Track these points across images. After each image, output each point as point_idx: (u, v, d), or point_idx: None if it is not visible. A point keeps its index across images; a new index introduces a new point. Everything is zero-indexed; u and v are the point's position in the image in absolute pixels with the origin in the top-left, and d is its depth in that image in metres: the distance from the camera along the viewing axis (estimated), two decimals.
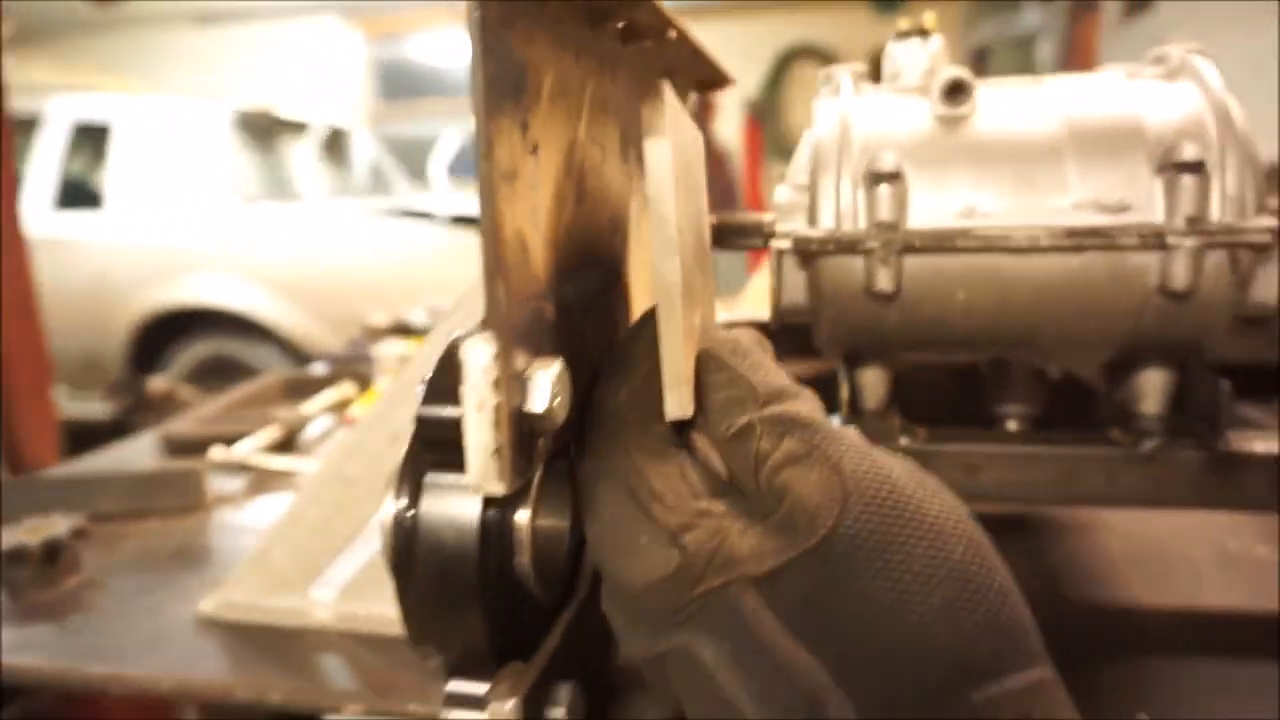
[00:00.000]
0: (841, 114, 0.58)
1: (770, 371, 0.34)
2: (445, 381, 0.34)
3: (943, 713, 0.26)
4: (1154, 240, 0.52)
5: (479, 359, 0.30)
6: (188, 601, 0.68)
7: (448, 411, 0.33)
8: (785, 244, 0.58)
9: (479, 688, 0.35)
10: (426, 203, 4.81)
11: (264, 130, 4.45)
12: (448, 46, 8.17)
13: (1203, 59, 0.57)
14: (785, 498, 0.30)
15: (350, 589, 0.63)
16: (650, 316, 0.36)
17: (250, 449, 0.96)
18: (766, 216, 0.62)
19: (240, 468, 0.95)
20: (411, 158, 6.35)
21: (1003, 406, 0.67)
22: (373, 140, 5.35)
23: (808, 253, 0.57)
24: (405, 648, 0.58)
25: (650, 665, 0.32)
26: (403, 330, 1.66)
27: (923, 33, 0.61)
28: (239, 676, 0.58)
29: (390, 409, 0.59)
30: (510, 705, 0.34)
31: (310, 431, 1.12)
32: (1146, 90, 0.57)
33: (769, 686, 0.28)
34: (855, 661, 0.27)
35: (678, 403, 0.33)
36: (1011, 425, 0.66)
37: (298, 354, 3.50)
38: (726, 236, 0.62)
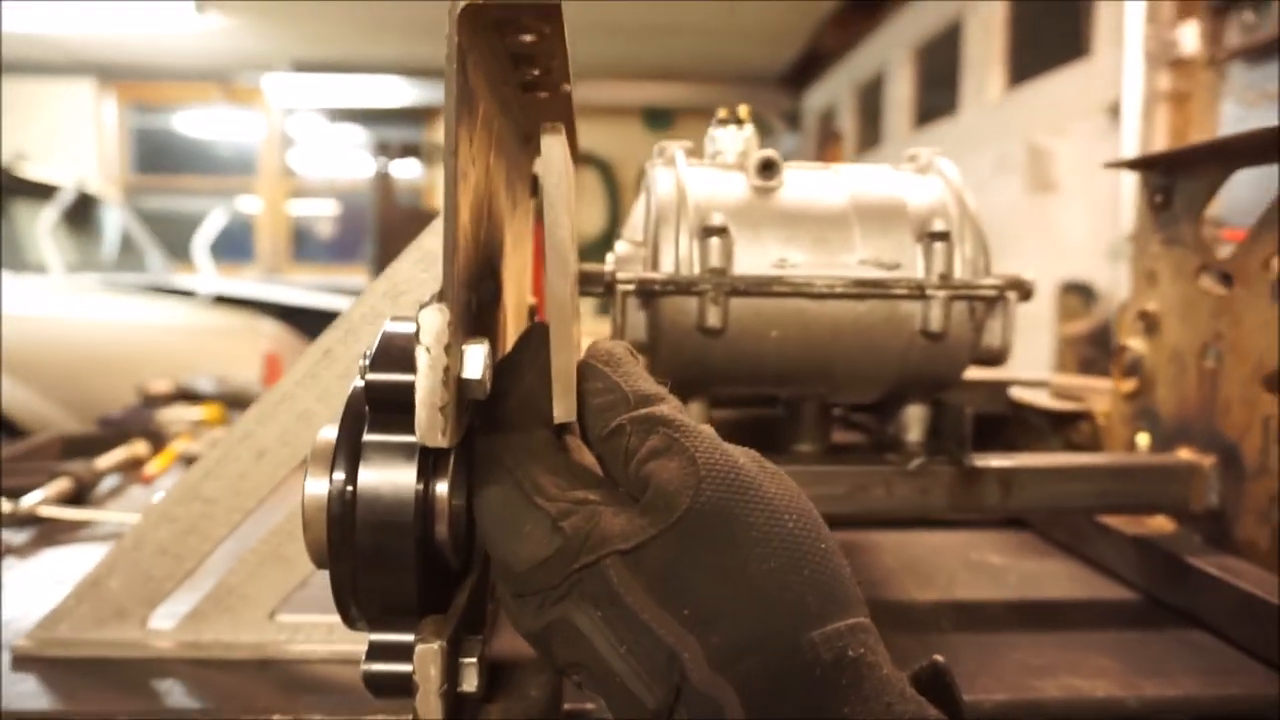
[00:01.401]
0: (677, 180, 0.69)
1: (641, 379, 0.39)
2: (390, 355, 0.38)
3: (777, 650, 0.31)
4: (917, 291, 0.67)
5: (435, 323, 0.36)
6: None
7: (395, 376, 0.37)
8: (630, 286, 0.67)
9: (403, 637, 0.38)
10: (187, 281, 4.52)
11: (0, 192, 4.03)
12: (211, 123, 7.81)
13: (944, 159, 0.74)
14: (650, 484, 0.34)
15: (194, 615, 0.62)
16: (530, 334, 0.42)
17: (39, 500, 0.89)
18: (606, 267, 0.71)
19: (27, 520, 0.88)
20: (168, 233, 5.95)
21: (796, 445, 0.79)
22: (125, 212, 4.98)
23: (650, 293, 0.66)
24: (255, 668, 0.59)
25: (536, 638, 0.36)
26: (188, 396, 1.58)
27: (738, 121, 0.74)
28: (78, 705, 0.55)
29: (257, 427, 0.60)
30: (437, 646, 0.38)
31: (102, 488, 1.04)
32: (907, 179, 0.72)
33: (635, 643, 0.32)
34: (706, 615, 0.32)
35: (565, 408, 0.39)
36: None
37: (18, 434, 3.10)
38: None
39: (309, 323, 4.23)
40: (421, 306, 0.36)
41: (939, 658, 0.34)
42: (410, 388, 0.35)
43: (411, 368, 0.35)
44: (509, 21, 0.38)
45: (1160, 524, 0.79)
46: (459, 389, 0.37)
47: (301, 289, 5.36)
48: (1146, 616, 0.72)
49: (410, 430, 0.35)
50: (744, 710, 0.30)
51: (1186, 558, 0.71)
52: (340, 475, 0.37)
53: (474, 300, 0.42)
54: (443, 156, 0.36)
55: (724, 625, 0.31)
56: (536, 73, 0.45)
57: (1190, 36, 2.36)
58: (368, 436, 0.38)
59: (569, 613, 0.34)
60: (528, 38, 0.40)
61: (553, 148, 0.41)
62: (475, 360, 0.37)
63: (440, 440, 0.35)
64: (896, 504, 0.72)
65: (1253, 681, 0.60)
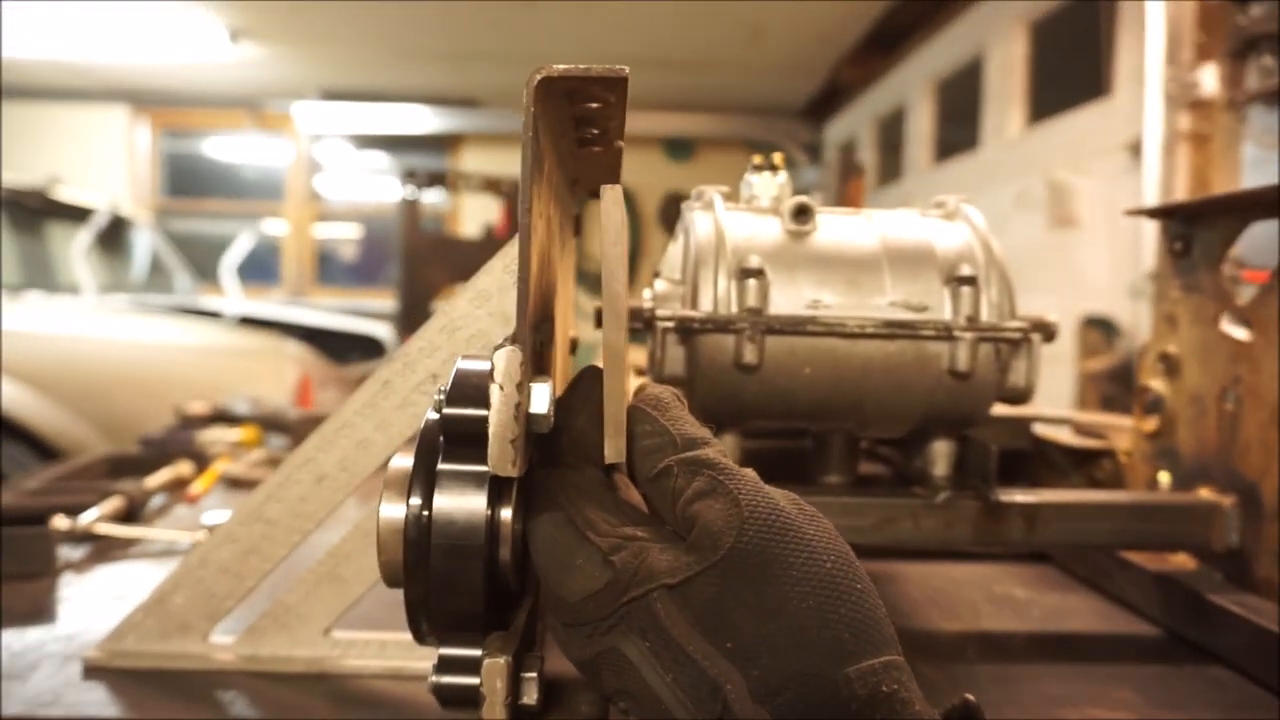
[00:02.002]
0: (716, 224, 0.73)
1: (687, 423, 0.41)
2: (464, 391, 0.41)
3: (815, 686, 0.32)
4: (945, 333, 0.70)
5: (510, 364, 0.39)
6: (66, 657, 0.66)
7: (469, 411, 0.40)
8: (669, 324, 0.70)
9: (471, 652, 0.41)
10: (214, 303, 4.61)
11: (35, 213, 4.13)
12: (241, 148, 7.97)
13: (970, 206, 0.77)
14: (695, 524, 0.36)
15: (253, 631, 0.65)
16: (582, 377, 0.44)
17: (96, 518, 0.93)
18: (645, 304, 0.75)
19: (84, 537, 0.92)
20: (196, 256, 6.07)
21: (824, 476, 0.82)
22: (156, 234, 5.09)
23: (689, 330, 0.70)
24: (311, 682, 0.62)
25: (586, 667, 0.38)
26: (225, 418, 1.62)
27: (773, 168, 0.78)
28: (146, 713, 0.58)
29: (318, 453, 0.63)
30: (503, 660, 0.41)
31: (150, 506, 1.09)
32: (934, 225, 0.76)
33: (681, 673, 0.34)
34: (748, 650, 0.33)
35: (616, 450, 0.41)
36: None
37: (54, 457, 3.17)
38: None
39: (333, 345, 4.30)
40: (496, 348, 0.39)
41: (970, 696, 0.36)
42: (483, 421, 0.39)
43: (484, 403, 0.39)
44: (579, 91, 0.42)
45: (1181, 561, 0.81)
46: (527, 423, 0.40)
47: (325, 311, 5.44)
48: (1167, 651, 0.74)
49: (481, 460, 0.39)
50: None
51: (1207, 595, 0.73)
52: (416, 501, 0.40)
53: (538, 340, 0.46)
54: (518, 215, 0.40)
55: (765, 660, 0.33)
56: (595, 132, 0.49)
57: (1210, 79, 2.39)
58: (442, 465, 0.41)
59: (617, 643, 0.36)
60: (594, 105, 0.44)
61: (612, 210, 0.43)
62: (542, 397, 0.40)
63: (511, 470, 0.39)
64: (923, 536, 0.75)
65: (1272, 718, 0.62)
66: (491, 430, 0.38)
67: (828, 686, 0.32)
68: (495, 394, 0.38)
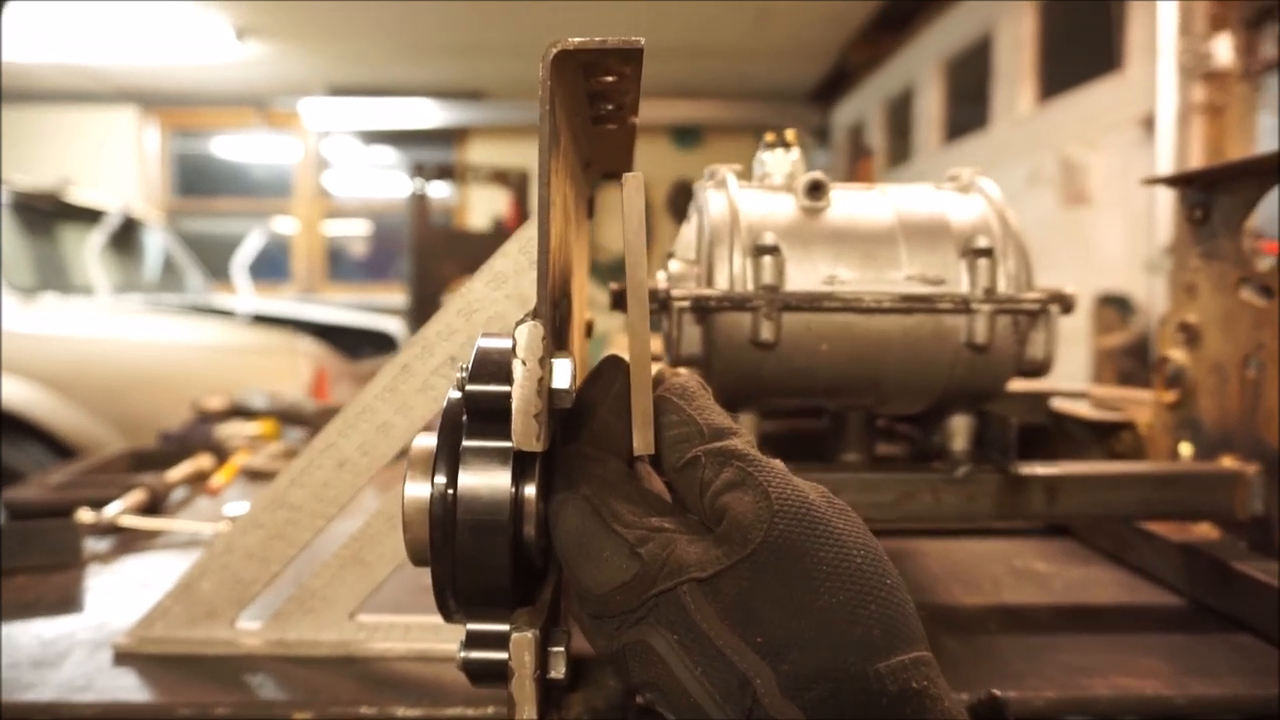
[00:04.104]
0: (730, 202, 0.72)
1: (714, 412, 0.41)
2: (486, 368, 0.41)
3: (845, 681, 0.32)
4: (962, 305, 0.69)
5: (531, 338, 0.39)
6: (96, 645, 0.67)
7: (492, 387, 0.40)
8: (685, 303, 0.70)
9: (498, 627, 0.41)
10: (226, 301, 4.63)
11: (48, 216, 4.15)
12: (249, 147, 8.00)
13: (985, 179, 0.77)
14: (725, 516, 0.36)
15: (280, 616, 0.66)
16: (603, 368, 0.44)
17: (120, 510, 0.94)
18: (660, 284, 0.75)
19: (108, 530, 0.93)
20: (207, 255, 6.10)
21: (842, 455, 0.82)
22: (167, 234, 5.12)
23: (705, 309, 0.70)
24: (338, 665, 0.62)
25: (613, 658, 0.37)
26: (242, 412, 1.63)
27: (785, 144, 0.77)
28: (178, 697, 0.59)
29: (339, 438, 0.64)
30: (531, 634, 0.41)
31: (171, 499, 1.10)
32: (949, 198, 0.75)
33: (710, 667, 0.34)
34: (778, 644, 0.33)
35: (644, 442, 0.41)
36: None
37: (73, 457, 3.20)
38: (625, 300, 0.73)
39: (345, 340, 4.32)
40: (517, 323, 0.39)
41: (997, 691, 0.36)
42: (506, 397, 0.39)
43: (506, 379, 0.39)
44: (594, 64, 0.42)
45: (1205, 531, 0.81)
46: (549, 398, 0.40)
47: (337, 308, 5.47)
48: (1192, 620, 0.74)
49: (505, 436, 0.39)
50: None
51: (1232, 563, 0.73)
52: (441, 479, 0.40)
53: (558, 317, 0.46)
54: (538, 188, 0.40)
55: (795, 655, 0.33)
56: (610, 108, 0.49)
57: (1224, 49, 2.36)
58: (466, 443, 0.41)
59: (646, 635, 0.36)
60: (609, 79, 0.43)
61: (633, 197, 0.42)
62: (563, 372, 0.40)
63: (535, 445, 0.39)
64: (943, 511, 0.75)
65: None
66: (515, 405, 0.38)
67: (858, 682, 0.32)
68: (518, 369, 0.38)
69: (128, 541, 0.94)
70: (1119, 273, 3.23)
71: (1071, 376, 3.06)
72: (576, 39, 0.39)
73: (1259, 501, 0.75)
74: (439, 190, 7.45)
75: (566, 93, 0.44)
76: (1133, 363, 2.55)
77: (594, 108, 0.49)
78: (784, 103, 7.59)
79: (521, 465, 0.41)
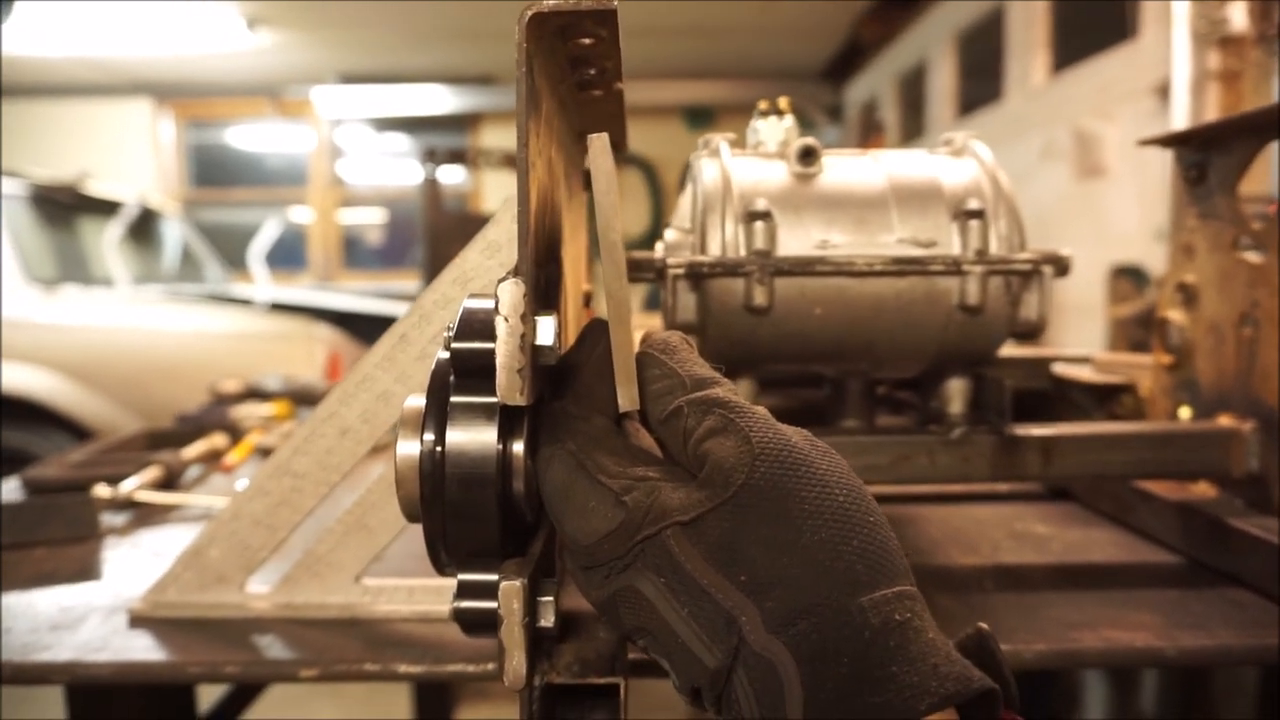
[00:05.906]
0: (722, 169, 0.73)
1: (696, 364, 0.42)
2: (471, 326, 0.43)
3: (828, 615, 0.33)
4: (954, 267, 0.70)
5: (513, 295, 0.40)
6: (112, 610, 0.69)
7: (477, 345, 0.42)
8: (680, 270, 0.71)
9: (488, 577, 0.43)
10: (244, 290, 4.68)
11: (67, 208, 4.20)
12: (263, 136, 8.04)
13: (978, 142, 0.77)
14: (707, 462, 0.37)
15: (287, 580, 0.68)
16: (588, 331, 0.45)
17: (136, 486, 0.96)
18: (656, 254, 0.76)
19: (125, 505, 0.95)
20: (224, 244, 6.15)
21: (842, 422, 0.82)
22: (184, 224, 5.17)
23: (699, 275, 0.71)
24: (344, 626, 0.64)
25: (604, 606, 0.38)
26: (257, 394, 1.66)
27: (779, 112, 0.78)
28: (191, 656, 0.61)
29: (340, 407, 0.65)
30: (519, 582, 0.42)
31: (187, 476, 1.12)
32: (942, 162, 0.75)
33: (696, 607, 0.35)
34: (762, 582, 0.34)
35: (629, 397, 0.42)
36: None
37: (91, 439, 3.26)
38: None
39: (362, 327, 4.35)
40: (499, 281, 0.40)
41: (984, 625, 0.36)
42: (491, 354, 0.40)
43: (491, 337, 0.40)
44: (571, 26, 0.43)
45: (1202, 490, 0.81)
46: (533, 354, 0.41)
47: (353, 295, 5.51)
48: (1187, 577, 0.74)
49: (491, 392, 0.40)
50: (798, 670, 0.32)
51: (1229, 520, 0.73)
52: (430, 436, 0.42)
53: (543, 278, 0.47)
54: (515, 150, 0.41)
55: (779, 591, 0.34)
56: (592, 72, 0.49)
57: (1239, 13, 2.32)
58: (454, 399, 0.42)
59: (634, 580, 0.37)
60: (587, 41, 0.44)
61: (600, 156, 0.43)
62: (547, 329, 0.42)
63: (519, 399, 0.40)
64: (939, 472, 0.75)
65: None
66: (499, 361, 0.39)
67: (841, 616, 0.33)
68: (500, 325, 0.40)
69: (144, 516, 0.96)
70: (1135, 244, 3.20)
71: (1088, 348, 3.03)
72: (551, 2, 0.40)
73: (1255, 459, 0.75)
74: (452, 175, 7.47)
75: (545, 57, 0.44)
76: (1143, 331, 2.54)
77: (577, 72, 0.50)
78: (796, 81, 7.54)
79: (510, 422, 0.42)
